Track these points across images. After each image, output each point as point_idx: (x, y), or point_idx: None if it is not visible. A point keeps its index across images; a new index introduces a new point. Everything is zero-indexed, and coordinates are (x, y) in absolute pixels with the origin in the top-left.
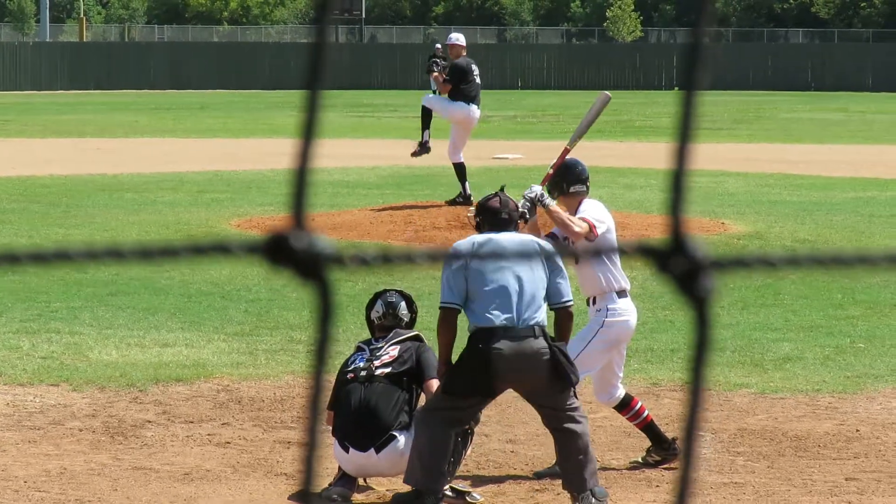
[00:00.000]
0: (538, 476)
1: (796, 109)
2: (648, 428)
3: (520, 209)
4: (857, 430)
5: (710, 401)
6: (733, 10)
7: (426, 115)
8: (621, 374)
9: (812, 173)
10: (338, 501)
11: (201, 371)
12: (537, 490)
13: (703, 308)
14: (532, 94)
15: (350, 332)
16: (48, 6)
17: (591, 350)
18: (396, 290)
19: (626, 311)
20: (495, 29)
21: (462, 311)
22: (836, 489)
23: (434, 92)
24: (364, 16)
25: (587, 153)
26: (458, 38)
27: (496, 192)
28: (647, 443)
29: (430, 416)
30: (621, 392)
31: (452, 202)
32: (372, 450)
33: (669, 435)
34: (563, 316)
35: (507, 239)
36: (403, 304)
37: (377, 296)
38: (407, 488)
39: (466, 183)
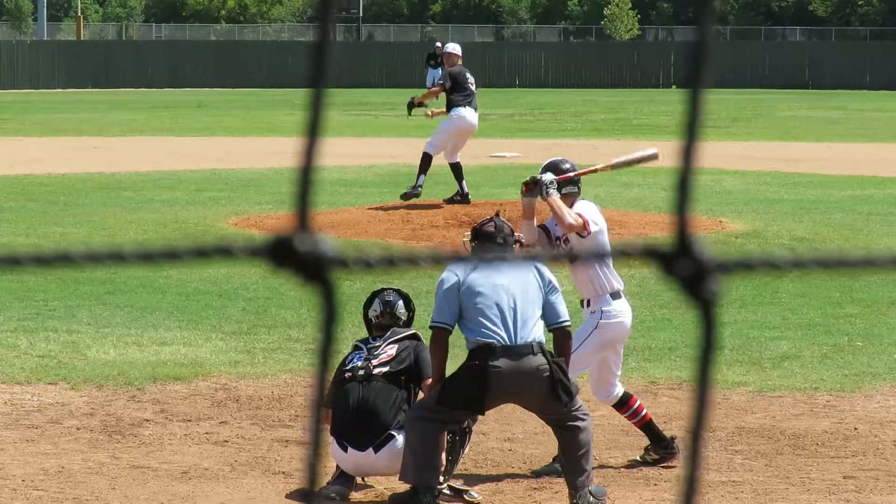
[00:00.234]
0: (536, 474)
1: (794, 107)
2: (647, 426)
3: (527, 182)
4: (855, 429)
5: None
6: (731, 9)
7: (426, 161)
8: (619, 373)
9: (810, 171)
10: (336, 500)
11: (199, 370)
12: (535, 489)
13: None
14: (529, 92)
15: (348, 330)
16: (45, 5)
17: (584, 351)
18: (394, 289)
19: (621, 312)
20: (493, 27)
21: (452, 331)
22: (834, 487)
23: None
24: (361, 14)
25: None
26: (453, 47)
27: (491, 218)
28: (646, 441)
29: (420, 418)
30: (620, 390)
31: (450, 200)
32: (370, 449)
33: (668, 433)
34: (561, 336)
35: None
36: (401, 302)
37: (374, 294)
38: (405, 488)
39: (463, 182)
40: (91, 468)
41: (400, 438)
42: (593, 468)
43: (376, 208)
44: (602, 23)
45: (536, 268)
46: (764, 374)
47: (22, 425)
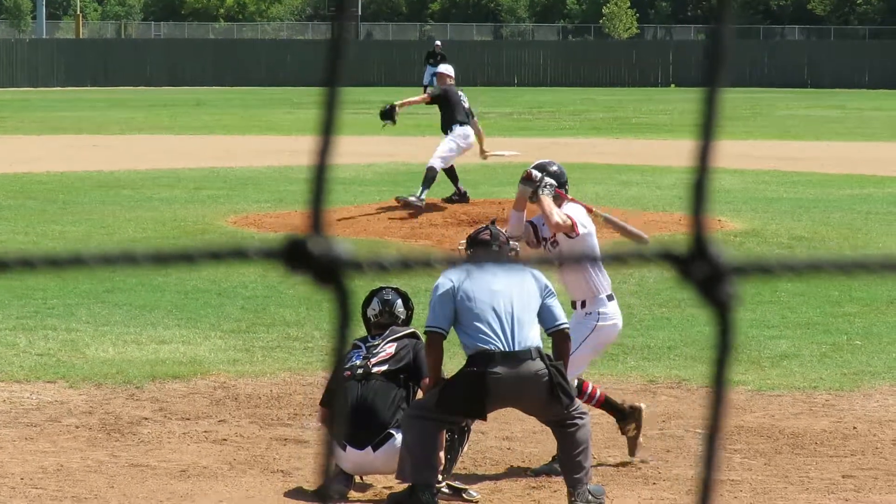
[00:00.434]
0: (535, 473)
1: (793, 106)
2: (607, 404)
3: (530, 170)
4: (854, 428)
5: (707, 398)
6: None
7: (433, 175)
8: (586, 369)
9: (809, 170)
10: (335, 498)
11: (198, 368)
12: (534, 487)
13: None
14: (528, 90)
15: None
16: (44, 3)
17: (581, 353)
18: (392, 288)
19: (615, 314)
20: (491, 25)
21: (447, 336)
22: (832, 486)
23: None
24: (360, 13)
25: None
26: (446, 68)
27: (486, 226)
28: (642, 440)
29: (418, 417)
30: (576, 381)
31: (449, 199)
32: (369, 448)
33: (667, 432)
34: (559, 339)
35: (499, 266)
36: (399, 301)
37: (373, 293)
38: (403, 486)
39: (458, 182)
40: (90, 466)
41: (399, 437)
42: (592, 467)
43: (375, 207)
44: (601, 21)
45: (532, 272)
46: (763, 372)
47: (21, 423)
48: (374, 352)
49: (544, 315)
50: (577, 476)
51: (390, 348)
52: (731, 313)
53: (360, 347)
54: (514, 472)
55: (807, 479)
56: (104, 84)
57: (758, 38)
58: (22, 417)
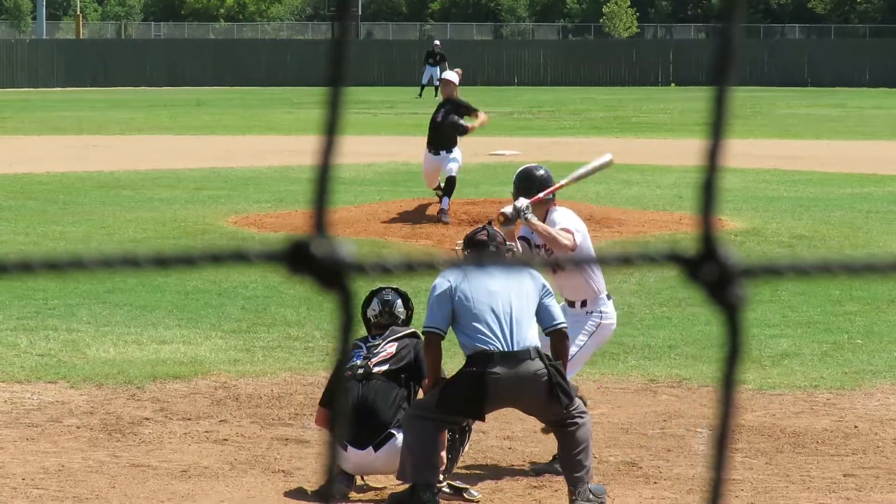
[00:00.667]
0: (536, 472)
1: (793, 105)
2: None
3: (503, 212)
4: (855, 427)
5: (707, 397)
6: None
7: (454, 184)
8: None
9: (809, 169)
10: (336, 498)
11: (199, 368)
12: (535, 487)
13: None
14: (528, 90)
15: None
16: (44, 3)
17: (586, 351)
18: (392, 288)
19: (613, 313)
20: (491, 25)
21: (445, 336)
22: (834, 485)
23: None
24: (360, 12)
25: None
26: (454, 76)
27: (483, 226)
28: (643, 440)
29: (418, 417)
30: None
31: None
32: (370, 448)
33: (668, 431)
34: (558, 338)
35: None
36: (399, 301)
37: (373, 293)
38: (404, 486)
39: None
40: (91, 467)
41: (400, 437)
42: (593, 466)
43: (375, 207)
44: (601, 21)
45: (530, 272)
46: (764, 371)
47: (22, 424)
48: (375, 352)
49: (542, 315)
50: (578, 475)
51: (391, 348)
52: (740, 315)
53: (360, 347)
54: (515, 472)
55: (808, 478)
56: (104, 84)
57: (758, 36)
58: (23, 418)
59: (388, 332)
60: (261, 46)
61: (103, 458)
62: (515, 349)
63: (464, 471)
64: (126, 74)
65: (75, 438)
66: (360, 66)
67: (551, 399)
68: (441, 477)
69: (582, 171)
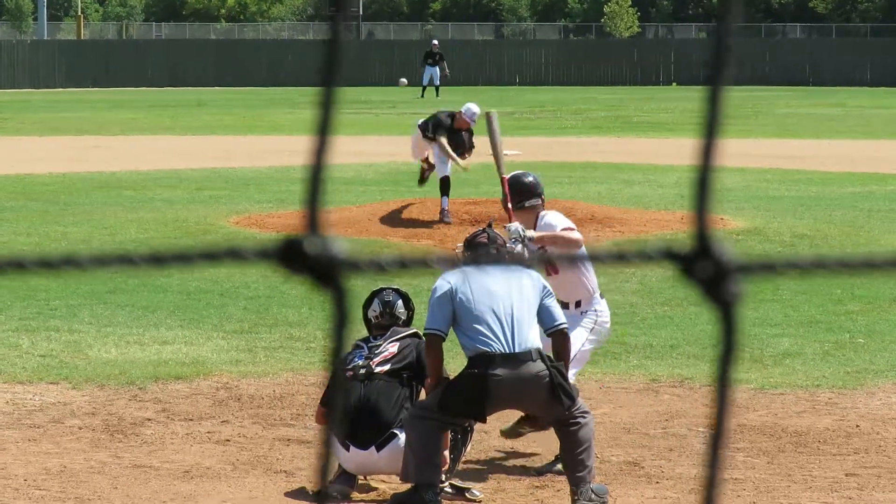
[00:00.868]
0: (538, 473)
1: (794, 105)
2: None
3: (510, 246)
4: (857, 426)
5: (709, 397)
6: None
7: (447, 184)
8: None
9: (810, 168)
10: (338, 499)
11: (200, 369)
12: (537, 487)
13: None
14: (529, 90)
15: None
16: (45, 4)
17: (586, 350)
18: (393, 289)
19: (607, 312)
20: (493, 25)
21: (446, 338)
22: (836, 485)
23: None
24: (361, 12)
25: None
26: (472, 113)
27: (484, 229)
28: (645, 439)
29: (421, 417)
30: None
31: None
32: (373, 448)
33: (670, 431)
34: (559, 339)
35: (497, 268)
36: (400, 302)
37: (374, 294)
38: (406, 487)
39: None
40: (93, 467)
41: (402, 437)
42: (595, 466)
43: (379, 210)
44: (602, 20)
45: (530, 273)
46: (765, 371)
47: (24, 425)
48: (377, 352)
49: (543, 316)
50: (580, 475)
51: (393, 348)
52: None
53: (361, 348)
54: (517, 472)
55: (810, 478)
56: (105, 85)
57: (759, 36)
58: (25, 419)
59: (389, 333)
60: (262, 47)
61: (105, 459)
62: (517, 351)
63: (466, 471)
64: (127, 75)
65: (77, 439)
66: (362, 67)
67: (553, 400)
68: (443, 477)
69: (495, 147)
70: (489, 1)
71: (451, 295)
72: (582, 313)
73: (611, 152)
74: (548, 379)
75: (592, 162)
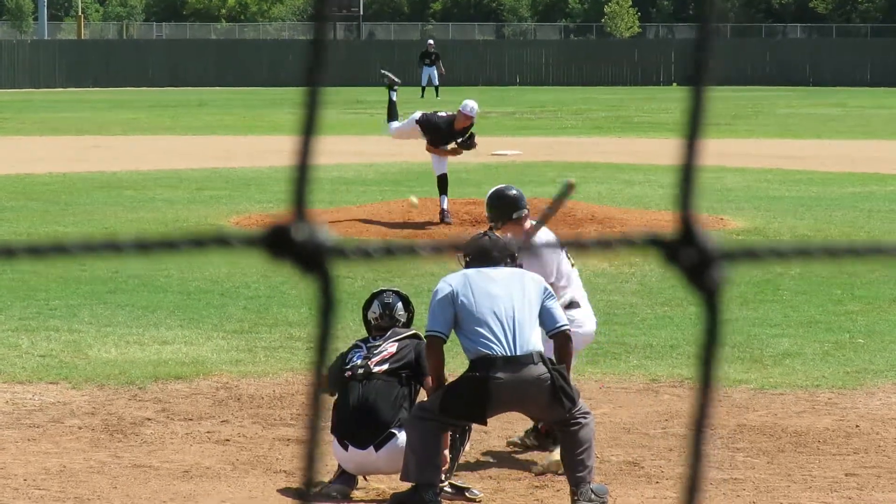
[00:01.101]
0: (537, 473)
1: (794, 105)
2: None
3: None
4: (857, 426)
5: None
6: (731, 6)
7: (444, 181)
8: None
9: (811, 168)
10: (337, 499)
11: (200, 368)
12: (537, 487)
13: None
14: (530, 90)
15: (349, 328)
16: (46, 4)
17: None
18: (393, 290)
19: (584, 320)
20: (493, 25)
21: (447, 340)
22: (835, 485)
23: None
24: (362, 12)
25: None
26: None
27: (485, 232)
28: (645, 439)
29: (422, 418)
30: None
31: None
32: (371, 447)
33: (670, 431)
34: (561, 341)
35: (498, 271)
36: (400, 304)
37: (374, 296)
38: (406, 486)
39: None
40: (92, 467)
41: (401, 437)
42: (595, 466)
43: (376, 206)
44: (602, 20)
45: (531, 275)
46: (765, 371)
47: (23, 424)
48: (375, 352)
49: (545, 317)
50: (581, 475)
51: (392, 347)
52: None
53: (360, 348)
54: (517, 472)
55: (810, 478)
56: (106, 85)
57: (759, 36)
58: (24, 419)
59: (389, 334)
60: (263, 47)
61: (105, 459)
62: (518, 353)
63: (466, 471)
64: (128, 75)
65: (77, 439)
66: (362, 67)
67: (554, 403)
68: (442, 476)
69: (548, 209)
70: (490, 1)
71: (452, 297)
72: None
73: (611, 152)
74: (549, 382)
75: (593, 162)
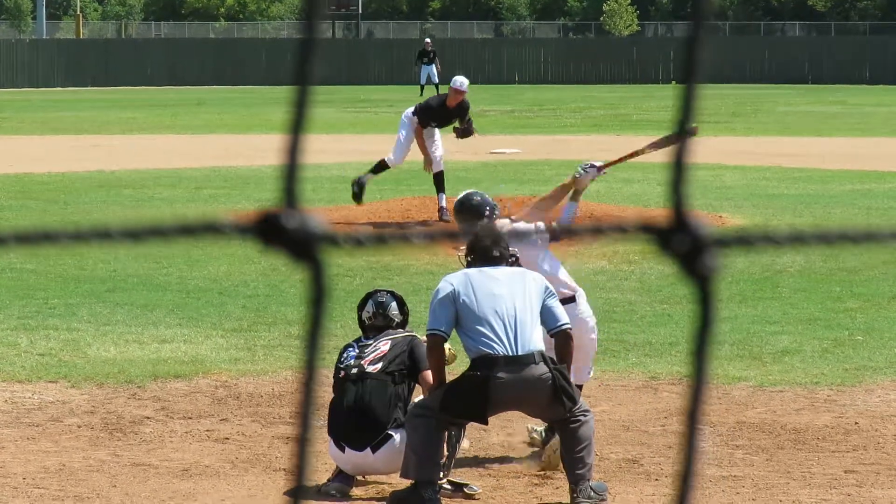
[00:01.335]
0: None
1: (793, 102)
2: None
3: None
4: (856, 423)
5: (708, 394)
6: (730, 4)
7: (441, 178)
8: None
9: (810, 166)
10: (336, 497)
11: (199, 367)
12: (536, 484)
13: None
14: (529, 88)
15: (348, 327)
16: (44, 3)
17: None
18: (388, 291)
19: (579, 314)
20: (492, 23)
21: (448, 339)
22: (834, 482)
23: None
24: (360, 11)
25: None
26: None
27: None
28: (644, 437)
29: (422, 416)
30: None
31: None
32: (368, 449)
33: (669, 429)
34: (562, 339)
35: (499, 271)
36: (394, 304)
37: (368, 296)
38: (404, 484)
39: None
40: (92, 466)
41: (397, 437)
42: (594, 463)
43: (376, 205)
44: (601, 19)
45: (532, 274)
46: (764, 368)
47: (23, 423)
48: (367, 351)
49: (546, 316)
50: (580, 472)
51: (384, 346)
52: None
53: (352, 347)
54: (516, 469)
55: (809, 475)
56: (105, 84)
57: (758, 34)
58: (24, 417)
59: (382, 335)
60: (261, 46)
61: (104, 458)
62: (520, 353)
63: (465, 468)
64: (126, 74)
65: (76, 438)
66: (361, 65)
67: (555, 402)
68: (441, 473)
69: (655, 142)
70: None
71: (453, 296)
72: None
73: (610, 150)
74: (550, 382)
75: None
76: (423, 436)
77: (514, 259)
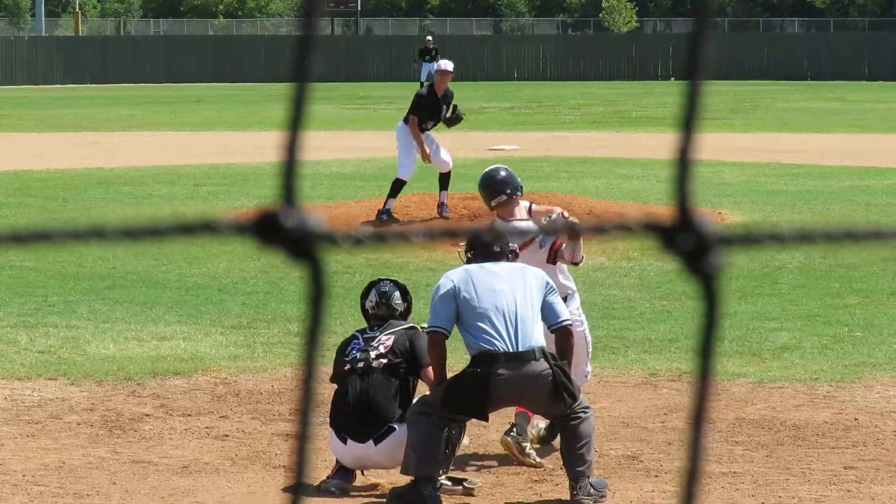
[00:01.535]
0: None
1: (792, 99)
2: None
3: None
4: (856, 419)
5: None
6: (729, 0)
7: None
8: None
9: (808, 163)
10: (336, 494)
11: (199, 364)
12: (536, 481)
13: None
14: (528, 85)
15: (347, 324)
16: (43, 0)
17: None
18: (391, 280)
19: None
20: (491, 20)
21: (449, 336)
22: (834, 478)
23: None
24: (359, 8)
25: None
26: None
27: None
28: (644, 433)
29: (423, 413)
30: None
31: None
32: (371, 441)
33: (669, 426)
34: (562, 336)
35: (500, 266)
36: (397, 293)
37: (371, 285)
38: (404, 481)
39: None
40: (91, 463)
41: (400, 430)
42: (594, 460)
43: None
44: (600, 15)
45: (533, 270)
46: (764, 365)
47: (22, 421)
48: (373, 344)
49: (547, 312)
50: (580, 469)
51: (388, 341)
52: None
53: (357, 338)
54: (516, 466)
55: (808, 471)
56: (103, 81)
57: (757, 30)
58: (23, 415)
59: (386, 325)
60: (260, 43)
61: (104, 455)
62: (520, 349)
63: (465, 465)
64: (125, 71)
65: (76, 435)
66: (360, 62)
67: (555, 399)
68: (441, 470)
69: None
70: None
71: (454, 293)
72: None
73: (609, 147)
74: (551, 378)
75: (591, 157)
76: (424, 433)
77: (514, 255)
